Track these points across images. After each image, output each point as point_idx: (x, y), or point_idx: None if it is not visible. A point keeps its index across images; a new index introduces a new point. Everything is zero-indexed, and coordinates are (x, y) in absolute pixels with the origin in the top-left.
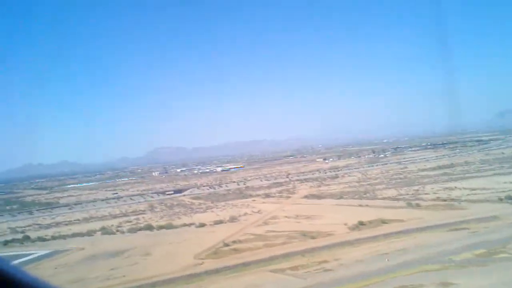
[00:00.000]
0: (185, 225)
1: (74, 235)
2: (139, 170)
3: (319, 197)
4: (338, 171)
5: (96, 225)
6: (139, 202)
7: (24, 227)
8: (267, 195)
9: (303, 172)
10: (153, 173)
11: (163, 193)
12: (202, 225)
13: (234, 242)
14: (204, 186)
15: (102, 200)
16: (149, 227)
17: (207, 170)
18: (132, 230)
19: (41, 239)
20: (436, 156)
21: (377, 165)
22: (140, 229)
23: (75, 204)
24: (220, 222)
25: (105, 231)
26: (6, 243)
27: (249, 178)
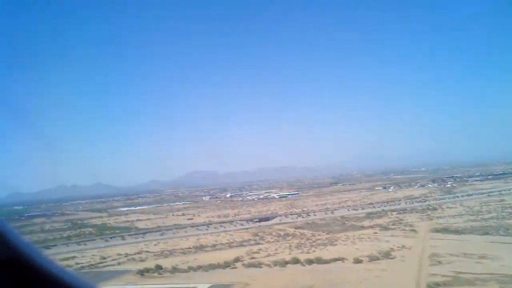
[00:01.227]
0: (335, 259)
1: (212, 266)
2: (180, 194)
3: (456, 232)
4: (423, 201)
5: (221, 255)
6: (235, 230)
7: (134, 254)
8: (383, 227)
9: (379, 202)
10: (204, 198)
11: (248, 221)
12: (358, 261)
13: (438, 285)
14: (290, 215)
15: (184, 226)
16: (296, 261)
17: (261, 196)
18: (278, 263)
19: (176, 269)
20: None
21: (458, 196)
22: (286, 262)
23: (165, 230)
24: (374, 258)
25: (243, 263)
26: (142, 273)
27: (325, 207)
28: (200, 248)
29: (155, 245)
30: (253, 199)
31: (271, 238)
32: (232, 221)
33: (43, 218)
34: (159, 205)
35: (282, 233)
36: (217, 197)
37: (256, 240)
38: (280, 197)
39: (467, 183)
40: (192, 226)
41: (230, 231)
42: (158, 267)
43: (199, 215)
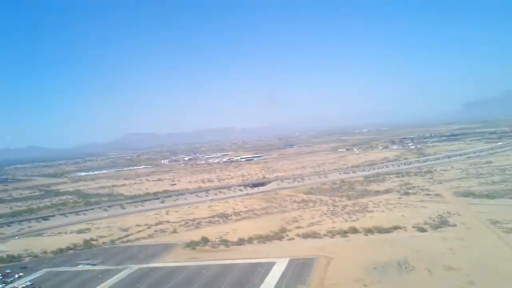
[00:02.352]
0: (394, 228)
1: (261, 238)
2: (129, 157)
3: (486, 196)
4: (407, 164)
5: (256, 224)
6: (239, 196)
7: (155, 225)
8: (400, 192)
9: (360, 165)
10: (162, 161)
11: (242, 186)
12: (421, 229)
13: None
14: (281, 179)
15: (178, 192)
16: (354, 230)
17: (225, 160)
18: (337, 233)
19: (226, 242)
20: (492, 148)
21: (438, 158)
22: (345, 232)
23: (163, 197)
24: (435, 226)
25: (297, 233)
26: (191, 247)
27: (309, 170)
28: (223, 217)
29: (168, 214)
30: (218, 162)
31: (290, 204)
32: (224, 187)
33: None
34: (119, 169)
35: (295, 199)
36: (176, 161)
37: (276, 207)
38: (246, 160)
39: (428, 145)
40: (187, 193)
41: (233, 197)
42: (205, 240)
43: (179, 180)
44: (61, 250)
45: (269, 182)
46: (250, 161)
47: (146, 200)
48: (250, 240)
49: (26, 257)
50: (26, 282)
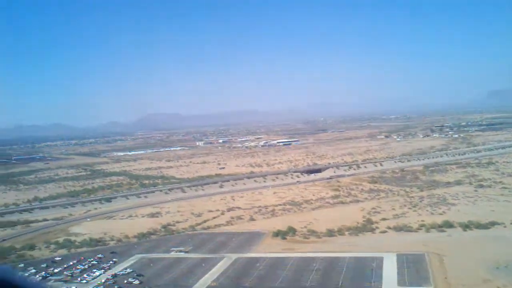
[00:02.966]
0: (492, 223)
1: (350, 229)
2: (159, 137)
3: None
4: (461, 154)
5: (334, 213)
6: (302, 183)
7: (228, 211)
8: (472, 184)
9: (409, 153)
10: (197, 143)
11: (299, 172)
12: None
13: None
14: (336, 166)
15: (232, 177)
16: (449, 224)
17: (262, 143)
18: (431, 227)
19: (315, 232)
20: None
21: (491, 149)
22: (440, 226)
23: (221, 181)
24: None
25: (387, 225)
26: (281, 236)
27: (359, 157)
28: (295, 204)
29: (234, 199)
30: (255, 146)
31: (360, 194)
32: (278, 172)
33: (37, 162)
34: (155, 150)
35: (362, 188)
36: (210, 143)
37: (346, 196)
38: (284, 144)
39: (471, 134)
40: (243, 177)
41: (293, 183)
42: (292, 229)
43: (225, 164)
44: (143, 235)
45: (324, 168)
46: (288, 146)
47: (204, 184)
48: (340, 232)
49: (109, 241)
50: (126, 269)
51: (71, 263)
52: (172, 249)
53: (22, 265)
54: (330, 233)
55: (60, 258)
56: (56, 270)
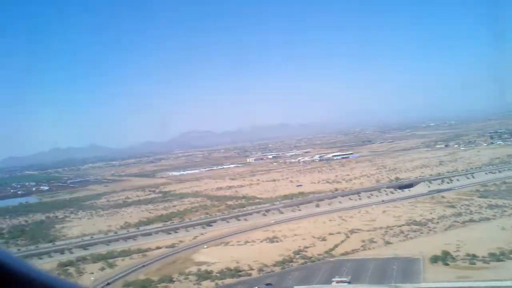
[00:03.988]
0: None
1: None
2: (206, 155)
3: None
4: None
5: (471, 234)
6: (402, 199)
7: (355, 232)
8: None
9: (490, 163)
10: (248, 160)
11: (387, 188)
12: None
13: None
14: (425, 181)
15: (318, 196)
16: None
17: (317, 157)
18: None
19: (471, 256)
20: None
21: None
22: None
23: (314, 200)
24: None
25: None
26: (437, 261)
27: (436, 169)
28: (419, 224)
29: (344, 219)
30: (313, 160)
31: (483, 210)
32: (370, 189)
33: (95, 185)
34: (209, 168)
35: (479, 203)
36: (261, 159)
37: (471, 214)
38: (342, 158)
39: None
40: (331, 196)
41: (394, 200)
42: (447, 254)
43: (297, 181)
44: (281, 263)
45: (415, 183)
46: (347, 159)
47: (299, 204)
48: (504, 255)
49: (248, 270)
50: None
51: None
52: (333, 279)
53: None
54: (495, 256)
55: None
56: None
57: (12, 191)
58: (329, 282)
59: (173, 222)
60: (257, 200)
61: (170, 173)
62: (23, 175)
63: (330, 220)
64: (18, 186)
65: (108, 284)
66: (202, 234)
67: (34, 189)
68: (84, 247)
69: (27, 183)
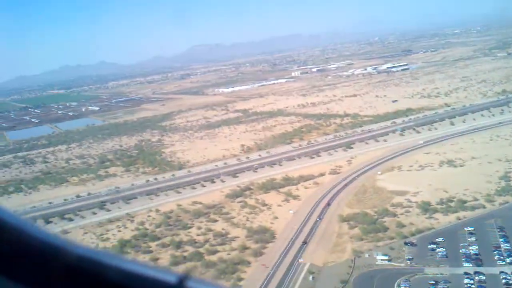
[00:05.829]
0: None
1: None
2: (226, 68)
3: None
4: None
5: None
6: None
7: None
8: None
9: None
10: (293, 73)
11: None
12: None
13: None
14: None
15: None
16: None
17: (368, 70)
18: None
19: None
20: None
21: None
22: None
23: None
24: None
25: None
26: None
27: None
28: None
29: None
30: (367, 73)
31: None
32: (487, 105)
33: (150, 104)
34: (260, 83)
35: None
36: (306, 72)
37: None
38: (402, 69)
39: None
40: (462, 113)
41: None
42: None
43: (385, 96)
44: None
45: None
46: (407, 71)
47: (431, 122)
48: None
49: (472, 201)
50: None
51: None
52: None
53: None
54: None
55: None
56: None
57: (59, 112)
58: None
59: (300, 145)
60: (366, 119)
61: (220, 90)
62: (49, 94)
63: (494, 136)
64: (60, 106)
65: (320, 219)
66: (352, 157)
67: (83, 109)
68: (233, 174)
69: (67, 104)
